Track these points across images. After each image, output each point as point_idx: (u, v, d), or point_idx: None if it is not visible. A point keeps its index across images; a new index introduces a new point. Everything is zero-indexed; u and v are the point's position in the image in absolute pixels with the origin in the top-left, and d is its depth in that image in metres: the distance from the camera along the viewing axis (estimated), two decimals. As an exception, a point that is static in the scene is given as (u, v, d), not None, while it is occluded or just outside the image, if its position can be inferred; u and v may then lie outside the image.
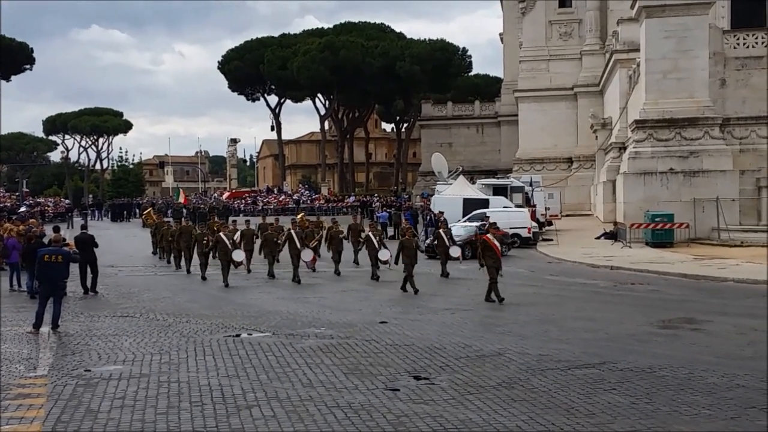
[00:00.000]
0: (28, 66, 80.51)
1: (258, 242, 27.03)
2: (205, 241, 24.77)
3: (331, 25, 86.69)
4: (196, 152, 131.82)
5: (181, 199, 64.92)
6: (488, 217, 31.49)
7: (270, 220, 29.86)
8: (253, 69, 79.35)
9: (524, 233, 34.23)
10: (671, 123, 35.29)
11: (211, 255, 24.32)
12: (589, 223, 45.54)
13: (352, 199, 68.93)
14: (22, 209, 53.87)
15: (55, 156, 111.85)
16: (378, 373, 11.20)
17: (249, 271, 25.72)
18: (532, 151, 59.54)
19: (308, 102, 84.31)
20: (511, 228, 32.96)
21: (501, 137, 72.65)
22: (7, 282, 22.81)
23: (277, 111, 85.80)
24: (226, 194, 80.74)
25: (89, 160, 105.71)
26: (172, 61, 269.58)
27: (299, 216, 34.07)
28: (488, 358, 12.11)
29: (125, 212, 65.43)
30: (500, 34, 78.81)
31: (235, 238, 25.12)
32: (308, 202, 68.12)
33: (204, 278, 24.09)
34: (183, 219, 32.21)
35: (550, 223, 40.45)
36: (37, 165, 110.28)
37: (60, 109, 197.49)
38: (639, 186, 35.06)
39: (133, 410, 9.41)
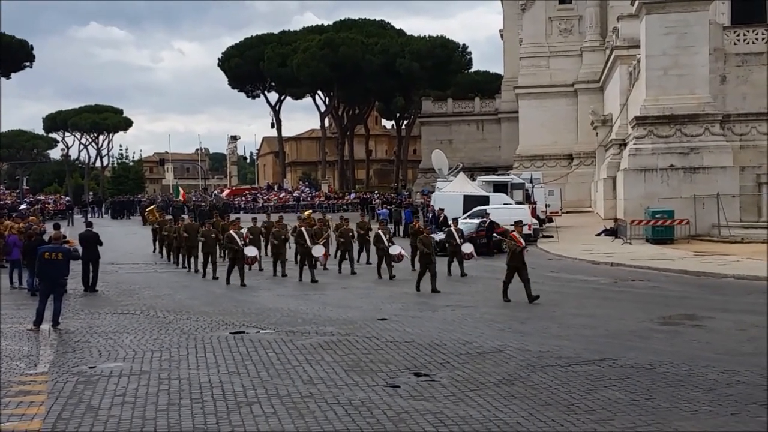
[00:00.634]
0: (27, 63, 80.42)
1: (263, 240, 26.94)
2: (219, 240, 24.55)
3: (330, 22, 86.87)
4: (196, 149, 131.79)
5: (180, 197, 64.66)
6: (488, 213, 31.54)
7: (275, 217, 29.61)
8: (253, 66, 79.38)
9: (524, 230, 34.18)
10: (671, 119, 35.28)
11: (221, 254, 24.21)
12: (589, 219, 45.52)
13: (352, 196, 68.91)
14: (23, 206, 53.84)
15: (56, 153, 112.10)
16: (378, 369, 11.20)
17: (261, 269, 25.57)
18: (533, 148, 59.51)
19: (308, 99, 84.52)
20: (511, 225, 32.94)
21: (501, 134, 72.61)
22: (7, 279, 22.84)
23: (277, 108, 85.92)
24: (227, 191, 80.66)
25: (89, 157, 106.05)
26: (171, 58, 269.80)
27: (306, 213, 33.88)
28: (488, 355, 12.11)
29: (126, 210, 65.44)
30: (500, 31, 78.76)
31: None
32: (308, 199, 68.10)
33: (215, 277, 23.65)
34: (188, 217, 31.89)
35: (550, 220, 40.43)
36: (37, 162, 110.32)
37: (59, 106, 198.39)
38: (639, 182, 35.05)
39: (134, 407, 9.41)
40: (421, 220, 33.59)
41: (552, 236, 36.10)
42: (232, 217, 32.50)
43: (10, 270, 23.06)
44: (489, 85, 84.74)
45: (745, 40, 37.63)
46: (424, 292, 19.86)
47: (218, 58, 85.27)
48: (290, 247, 25.24)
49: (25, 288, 21.25)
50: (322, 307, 17.57)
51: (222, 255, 25.42)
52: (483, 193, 39.07)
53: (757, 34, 37.62)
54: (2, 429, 8.65)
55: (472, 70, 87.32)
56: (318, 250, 23.59)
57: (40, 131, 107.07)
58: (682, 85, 35.15)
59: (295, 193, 72.08)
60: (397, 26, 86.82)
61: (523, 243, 18.64)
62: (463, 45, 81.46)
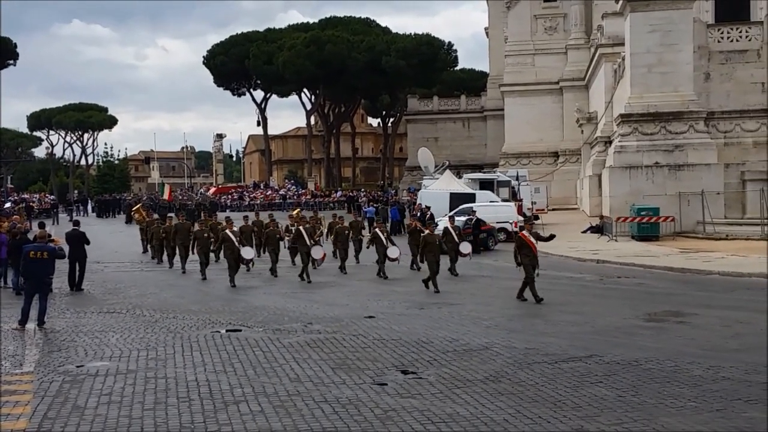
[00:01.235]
0: (11, 61, 79.80)
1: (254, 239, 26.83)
2: (211, 239, 24.39)
3: (316, 20, 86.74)
4: (182, 148, 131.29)
5: (166, 195, 64.24)
6: (475, 211, 31.62)
7: (264, 216, 29.48)
8: (239, 64, 79.10)
9: (510, 227, 34.29)
10: (656, 117, 35.44)
11: (214, 255, 24.03)
12: (575, 217, 45.69)
13: (338, 193, 68.88)
14: (7, 205, 53.47)
15: (40, 152, 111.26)
16: (365, 367, 11.22)
17: (249, 270, 25.38)
18: (518, 146, 59.69)
19: (294, 97, 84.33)
20: (497, 222, 33.10)
21: (487, 131, 72.77)
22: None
23: (263, 106, 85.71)
24: (213, 189, 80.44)
25: (74, 155, 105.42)
26: (156, 56, 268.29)
27: (295, 212, 33.79)
28: (475, 352, 12.14)
29: (111, 208, 65.13)
30: (486, 29, 79.03)
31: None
32: (295, 197, 67.99)
33: (204, 278, 23.13)
34: (180, 216, 31.66)
35: (536, 218, 40.52)
36: (21, 161, 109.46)
37: (44, 104, 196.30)
38: (625, 180, 35.20)
39: (120, 406, 9.39)
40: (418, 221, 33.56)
41: (538, 233, 36.11)
42: (222, 216, 32.34)
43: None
44: (475, 82, 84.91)
45: (728, 37, 37.84)
46: (411, 289, 19.91)
47: (203, 56, 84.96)
48: (285, 247, 25.20)
49: (10, 287, 21.13)
50: (309, 305, 17.56)
51: (217, 257, 25.22)
52: (469, 190, 39.21)
53: (740, 32, 37.85)
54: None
55: (457, 67, 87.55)
56: (317, 252, 23.47)
57: (25, 129, 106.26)
58: (666, 83, 35.32)
59: (282, 191, 71.96)
60: (383, 24, 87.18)
61: (535, 242, 18.25)
62: (449, 43, 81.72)
